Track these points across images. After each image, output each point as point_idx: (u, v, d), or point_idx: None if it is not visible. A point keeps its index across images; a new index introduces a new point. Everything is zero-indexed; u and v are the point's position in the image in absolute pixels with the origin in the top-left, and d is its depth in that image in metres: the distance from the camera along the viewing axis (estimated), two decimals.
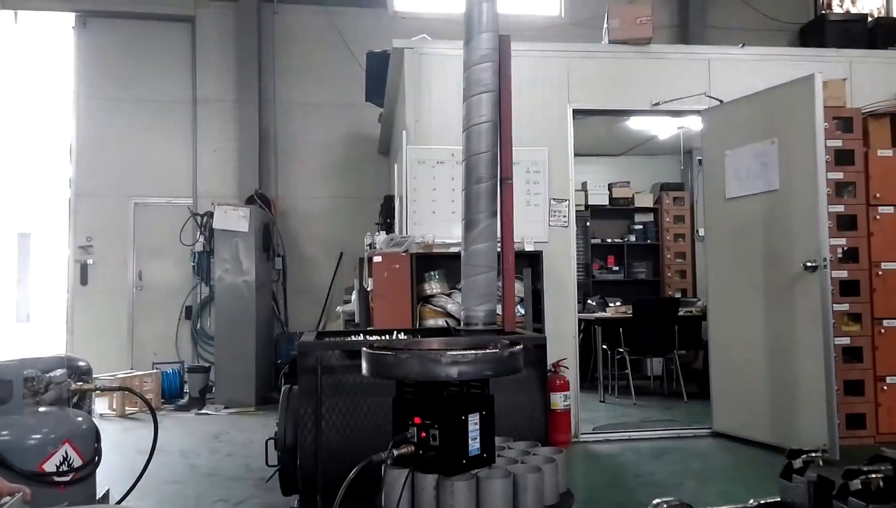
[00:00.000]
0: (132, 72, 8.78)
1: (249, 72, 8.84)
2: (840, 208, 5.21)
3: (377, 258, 4.98)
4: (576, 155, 5.75)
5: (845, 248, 5.24)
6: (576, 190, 5.91)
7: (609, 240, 9.80)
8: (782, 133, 4.98)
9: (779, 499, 1.79)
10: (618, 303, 8.18)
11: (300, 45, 9.09)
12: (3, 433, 2.54)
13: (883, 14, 9.70)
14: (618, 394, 7.29)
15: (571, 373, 5.38)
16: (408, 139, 5.49)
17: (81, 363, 3.30)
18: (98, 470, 2.89)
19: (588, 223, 9.55)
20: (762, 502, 1.80)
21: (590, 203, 9.56)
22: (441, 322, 4.82)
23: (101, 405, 6.93)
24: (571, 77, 5.76)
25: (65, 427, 2.71)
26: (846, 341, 5.13)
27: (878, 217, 5.24)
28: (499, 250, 3.63)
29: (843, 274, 5.17)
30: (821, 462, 1.77)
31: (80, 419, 2.84)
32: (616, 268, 9.83)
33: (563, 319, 5.51)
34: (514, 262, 3.78)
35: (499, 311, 3.66)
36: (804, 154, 4.78)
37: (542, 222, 5.59)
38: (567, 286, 5.59)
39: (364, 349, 2.31)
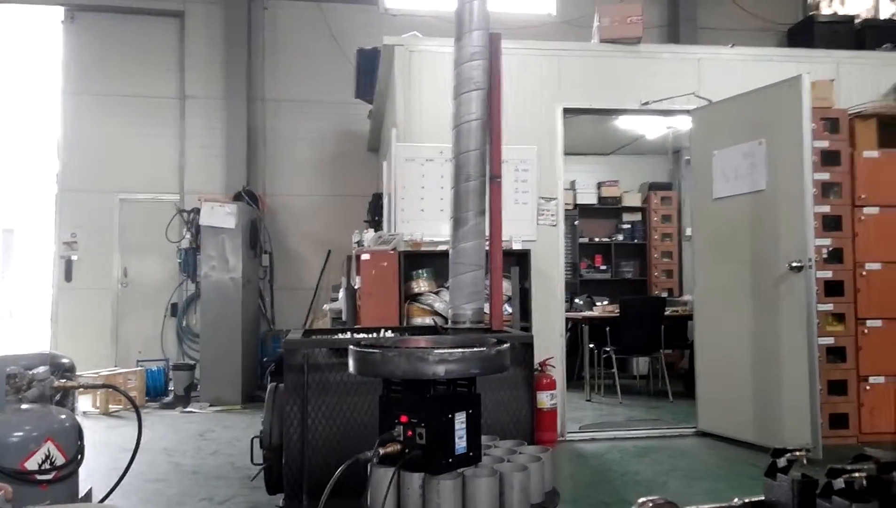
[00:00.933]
0: (120, 67, 8.71)
1: (238, 68, 8.79)
2: (826, 209, 5.24)
3: (365, 256, 4.97)
4: (565, 154, 5.76)
5: (830, 248, 5.27)
6: (564, 189, 5.92)
7: (597, 239, 9.84)
8: (770, 133, 5.00)
9: (763, 498, 1.80)
10: (605, 302, 8.21)
11: (290, 41, 9.05)
12: None
13: (871, 16, 9.77)
14: (604, 393, 7.31)
15: (558, 372, 5.39)
16: (397, 136, 5.48)
17: (65, 360, 3.27)
18: (81, 469, 2.87)
19: (576, 222, 9.59)
20: (747, 500, 1.80)
21: (578, 202, 9.60)
22: (428, 321, 4.81)
23: (84, 402, 6.87)
24: (561, 76, 5.76)
25: (47, 425, 2.68)
26: (830, 341, 5.16)
27: (862, 218, 5.28)
28: (487, 248, 3.63)
29: (828, 274, 5.21)
30: (805, 461, 1.78)
31: (62, 416, 2.81)
32: (603, 267, 9.87)
33: (551, 317, 5.52)
34: (502, 260, 3.78)
35: (486, 309, 3.66)
36: (791, 155, 4.81)
37: (531, 220, 5.59)
38: (555, 285, 5.60)
39: (351, 346, 2.30)
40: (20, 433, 2.59)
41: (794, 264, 4.76)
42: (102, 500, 3.22)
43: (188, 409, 7.07)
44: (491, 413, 3.03)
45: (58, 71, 8.71)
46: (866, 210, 5.29)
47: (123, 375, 7.29)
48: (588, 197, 9.70)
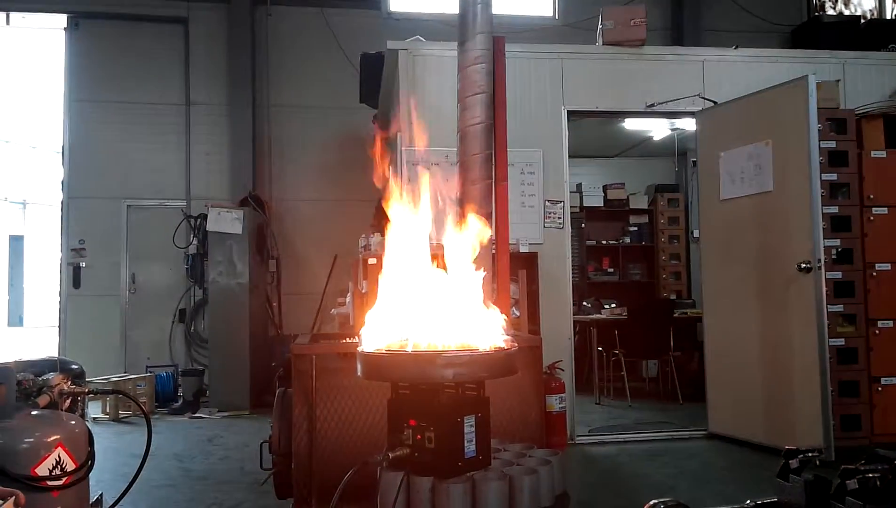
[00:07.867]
0: (124, 74, 8.76)
1: (242, 74, 8.82)
2: (834, 209, 5.21)
3: (372, 260, 4.97)
4: (570, 156, 5.75)
5: (839, 249, 5.24)
6: (570, 192, 5.91)
7: (604, 242, 9.80)
8: (776, 134, 4.99)
9: (776, 499, 1.79)
10: (613, 305, 8.18)
11: (293, 47, 9.08)
12: None
13: (875, 16, 9.74)
14: (613, 396, 7.28)
15: (567, 375, 5.38)
16: (402, 141, 5.48)
17: (74, 366, 3.27)
18: (91, 474, 2.87)
19: (583, 225, 9.55)
20: (759, 502, 1.79)
21: (584, 205, 9.56)
22: None
23: (94, 408, 6.89)
24: (566, 78, 5.76)
25: (57, 431, 2.68)
26: (841, 342, 5.13)
27: (871, 218, 5.25)
28: (494, 251, 3.63)
29: (838, 275, 5.18)
30: (818, 462, 1.77)
31: (73, 422, 2.81)
32: (611, 270, 9.83)
33: (559, 321, 5.50)
34: (509, 263, 3.77)
35: None
36: (798, 155, 4.79)
37: (537, 223, 5.58)
38: (562, 288, 5.58)
39: (359, 350, 2.29)
40: (30, 439, 2.59)
41: (804, 265, 4.73)
42: (113, 506, 3.22)
43: (197, 414, 7.08)
44: (500, 417, 3.02)
45: (62, 78, 8.76)
46: (875, 210, 5.26)
47: (133, 381, 7.30)
48: (594, 200, 9.67)
